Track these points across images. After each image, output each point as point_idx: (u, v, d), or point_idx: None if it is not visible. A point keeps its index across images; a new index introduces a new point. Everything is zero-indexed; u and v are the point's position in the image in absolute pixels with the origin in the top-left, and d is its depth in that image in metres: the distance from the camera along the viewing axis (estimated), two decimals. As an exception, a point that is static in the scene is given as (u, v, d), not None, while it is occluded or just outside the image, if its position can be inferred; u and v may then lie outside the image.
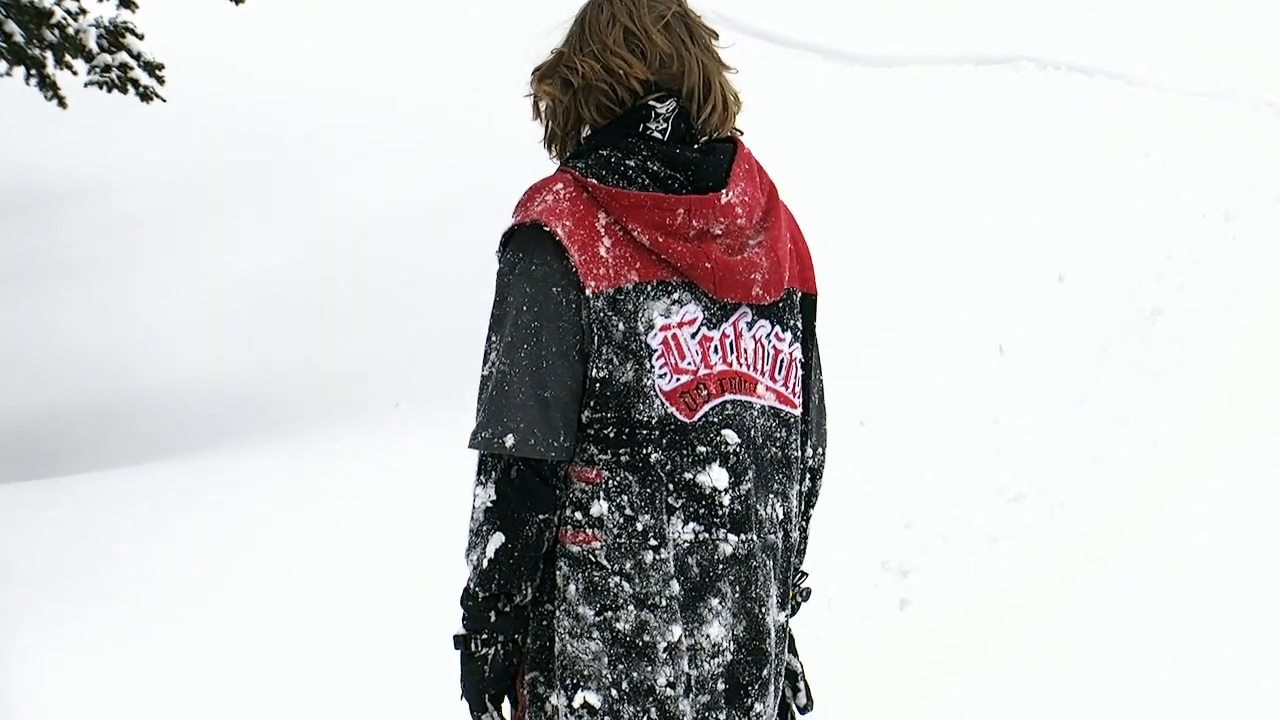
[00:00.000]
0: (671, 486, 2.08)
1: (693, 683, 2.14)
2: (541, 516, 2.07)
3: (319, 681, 4.21)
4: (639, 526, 2.08)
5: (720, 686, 2.17)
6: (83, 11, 7.26)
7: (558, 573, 2.11)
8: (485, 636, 2.07)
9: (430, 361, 7.54)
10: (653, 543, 2.08)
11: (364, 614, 4.52)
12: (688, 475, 2.08)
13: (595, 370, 2.06)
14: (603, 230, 2.05)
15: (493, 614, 2.05)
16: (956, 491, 5.66)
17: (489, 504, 2.05)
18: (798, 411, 2.19)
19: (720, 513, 2.10)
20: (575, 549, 2.09)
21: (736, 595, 2.15)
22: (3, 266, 10.76)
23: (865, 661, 4.65)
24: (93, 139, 11.84)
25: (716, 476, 2.11)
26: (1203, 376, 6.44)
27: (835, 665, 4.19)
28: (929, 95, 11.10)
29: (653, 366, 2.06)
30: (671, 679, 2.12)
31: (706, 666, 2.15)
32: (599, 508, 2.08)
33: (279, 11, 13.26)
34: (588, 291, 2.02)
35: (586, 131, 2.16)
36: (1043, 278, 7.63)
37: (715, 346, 2.10)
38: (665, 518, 2.09)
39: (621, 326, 2.04)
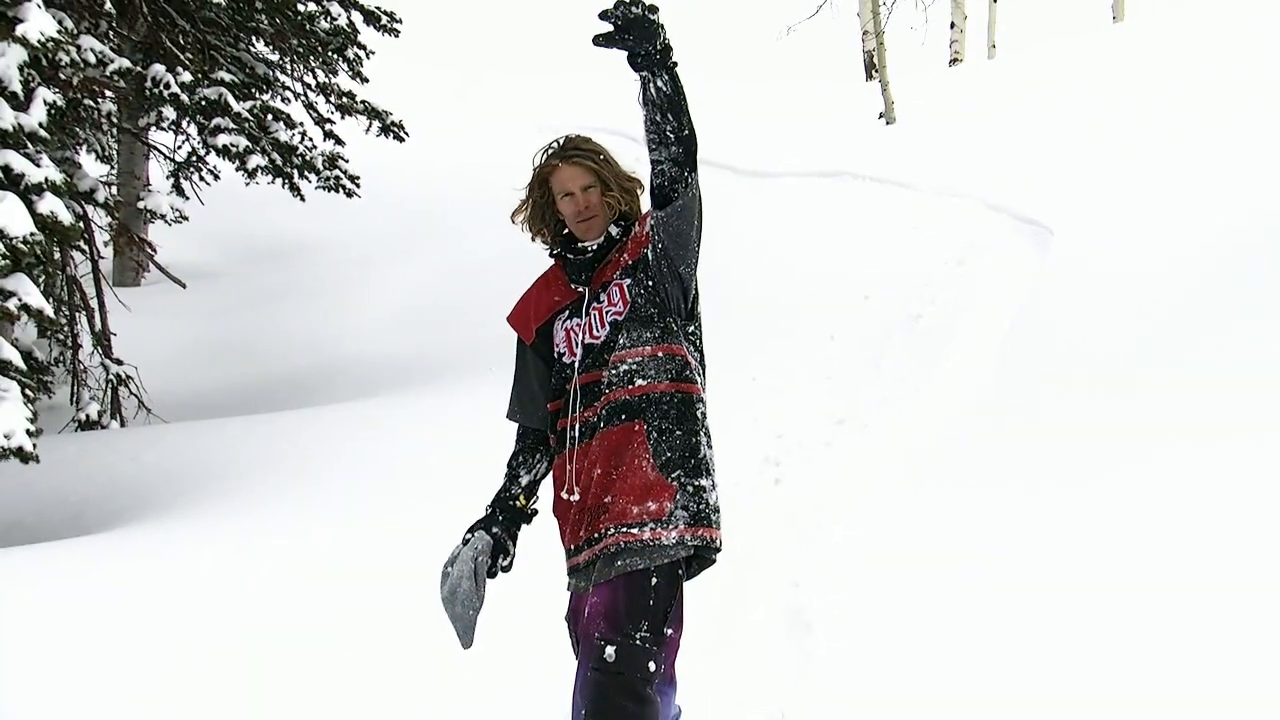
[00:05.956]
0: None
1: None
2: None
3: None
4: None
5: None
6: (313, 147, 8.53)
7: (699, 410, 2.61)
8: None
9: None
10: None
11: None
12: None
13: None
14: None
15: None
16: (807, 417, 6.57)
17: None
18: None
19: None
20: (706, 396, 2.62)
21: None
22: (267, 292, 12.27)
23: (745, 517, 4.99)
24: (318, 217, 13.34)
25: None
26: (950, 354, 7.13)
27: (731, 529, 3.61)
28: (793, 196, 12.02)
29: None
30: None
31: None
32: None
33: (426, 137, 15.23)
34: None
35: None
36: (856, 296, 8.74)
37: None
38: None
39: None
